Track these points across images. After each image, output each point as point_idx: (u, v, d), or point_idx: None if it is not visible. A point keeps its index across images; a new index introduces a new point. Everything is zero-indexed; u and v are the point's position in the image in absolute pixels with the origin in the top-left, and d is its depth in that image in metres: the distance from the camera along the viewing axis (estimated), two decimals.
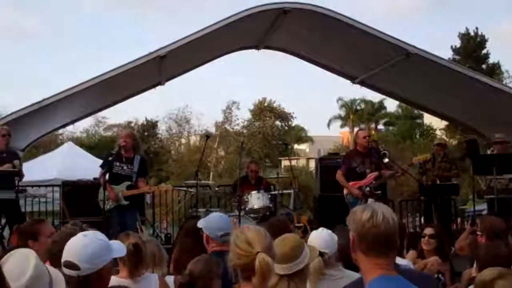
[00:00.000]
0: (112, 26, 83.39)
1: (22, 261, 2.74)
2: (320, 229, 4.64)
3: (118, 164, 9.04)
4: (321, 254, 4.29)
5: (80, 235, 3.28)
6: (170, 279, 4.65)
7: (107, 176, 9.08)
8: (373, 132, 13.66)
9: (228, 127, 43.23)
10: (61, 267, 3.16)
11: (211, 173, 34.88)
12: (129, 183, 9.04)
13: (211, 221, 5.02)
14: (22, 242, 4.95)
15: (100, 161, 9.74)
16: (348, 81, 14.75)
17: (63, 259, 3.16)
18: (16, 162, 9.26)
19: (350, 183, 9.52)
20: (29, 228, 5.13)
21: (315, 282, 4.16)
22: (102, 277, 3.23)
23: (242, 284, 3.09)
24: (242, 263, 3.07)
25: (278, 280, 3.58)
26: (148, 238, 5.19)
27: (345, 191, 9.61)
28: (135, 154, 9.16)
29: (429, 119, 40.93)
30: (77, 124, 21.12)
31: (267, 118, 46.89)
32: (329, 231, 4.61)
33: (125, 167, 9.05)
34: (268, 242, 3.14)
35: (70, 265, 3.11)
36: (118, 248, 3.43)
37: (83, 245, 3.19)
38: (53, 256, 3.92)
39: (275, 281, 3.47)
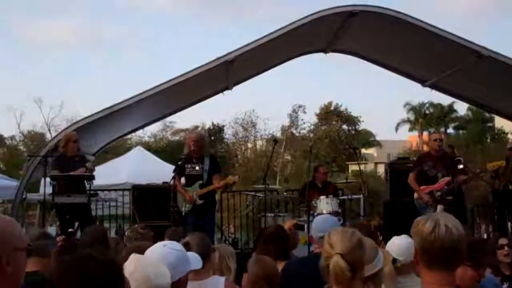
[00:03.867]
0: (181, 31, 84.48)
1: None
2: (402, 236, 4.57)
3: (189, 166, 9.41)
4: (394, 260, 4.25)
5: (159, 244, 3.27)
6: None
7: (182, 180, 9.40)
8: (442, 135, 13.35)
9: (294, 131, 43.18)
10: None
11: (278, 178, 34.87)
12: (200, 182, 9.29)
13: (314, 222, 5.02)
14: None
15: (169, 165, 10.00)
16: (417, 84, 14.53)
17: None
18: (89, 164, 9.46)
19: (421, 187, 9.32)
20: None
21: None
22: None
23: (331, 285, 3.07)
24: (326, 265, 3.06)
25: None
26: (218, 245, 5.18)
27: (415, 195, 9.42)
28: (205, 154, 9.46)
29: (500, 122, 39.96)
30: (145, 128, 21.46)
31: (334, 122, 46.61)
32: (409, 239, 4.54)
33: (196, 167, 9.37)
34: (352, 245, 3.09)
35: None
36: (195, 259, 3.45)
37: (162, 256, 3.15)
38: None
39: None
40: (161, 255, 3.15)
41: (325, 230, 4.81)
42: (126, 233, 5.68)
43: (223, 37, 73.98)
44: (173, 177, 9.83)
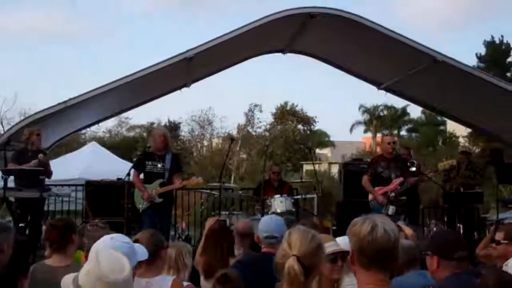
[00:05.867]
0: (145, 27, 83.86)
1: (117, 257, 2.73)
2: (343, 237, 4.68)
3: (150, 163, 9.33)
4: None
5: (107, 237, 3.24)
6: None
7: (141, 176, 9.37)
8: (395, 138, 13.57)
9: (250, 130, 43.22)
10: None
11: (233, 176, 34.86)
12: (161, 180, 9.21)
13: (261, 222, 5.05)
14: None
15: (123, 161, 10.01)
16: (372, 87, 14.73)
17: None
18: (41, 155, 9.36)
19: (375, 189, 9.49)
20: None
21: None
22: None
23: (283, 284, 3.08)
24: (281, 263, 3.08)
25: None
26: (175, 242, 5.18)
27: (370, 197, 9.58)
28: (167, 152, 9.38)
29: (452, 126, 40.69)
30: (100, 124, 21.19)
31: (289, 122, 46.83)
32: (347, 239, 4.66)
33: (158, 165, 9.28)
34: (311, 248, 3.10)
35: None
36: (142, 251, 3.43)
37: (112, 249, 3.07)
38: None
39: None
40: (111, 248, 3.09)
41: (270, 230, 4.91)
42: (87, 227, 5.67)
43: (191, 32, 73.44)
44: (128, 174, 9.78)
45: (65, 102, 11.29)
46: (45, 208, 10.41)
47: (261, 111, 43.51)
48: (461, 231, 10.86)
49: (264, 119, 45.46)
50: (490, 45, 39.77)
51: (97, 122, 15.82)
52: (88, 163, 16.38)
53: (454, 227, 11.15)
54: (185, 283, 4.63)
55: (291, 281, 3.01)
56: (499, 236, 5.66)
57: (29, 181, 9.19)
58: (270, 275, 3.21)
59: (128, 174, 9.77)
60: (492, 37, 40.04)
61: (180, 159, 10.03)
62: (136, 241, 3.81)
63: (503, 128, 14.18)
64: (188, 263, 4.92)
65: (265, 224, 4.98)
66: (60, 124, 12.79)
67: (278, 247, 4.82)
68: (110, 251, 2.80)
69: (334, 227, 11.52)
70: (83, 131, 33.26)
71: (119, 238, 3.26)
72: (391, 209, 9.15)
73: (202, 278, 5.06)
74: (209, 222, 6.12)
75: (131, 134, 46.91)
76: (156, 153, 9.35)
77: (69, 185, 13.04)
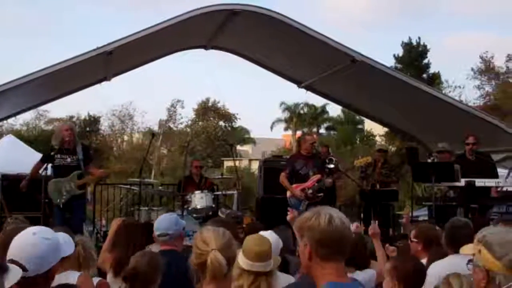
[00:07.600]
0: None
1: None
2: (268, 231, 4.70)
3: (59, 156, 9.26)
4: None
5: (29, 232, 3.07)
6: (94, 281, 4.54)
7: (49, 170, 9.23)
8: (314, 136, 13.85)
9: (172, 126, 43.06)
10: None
11: (153, 171, 34.65)
12: (79, 171, 9.19)
13: (157, 220, 5.10)
14: None
15: (41, 155, 9.85)
16: (293, 85, 14.88)
17: (9, 257, 2.93)
18: None
19: (293, 186, 9.64)
20: None
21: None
22: (48, 278, 3.07)
23: (203, 284, 3.11)
24: (200, 262, 3.12)
25: (256, 278, 3.56)
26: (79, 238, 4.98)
27: (288, 194, 9.73)
28: (76, 144, 9.41)
29: (369, 125, 41.53)
30: (17, 116, 20.72)
31: (211, 118, 46.86)
32: (274, 234, 4.69)
33: (68, 159, 9.23)
34: (225, 242, 3.18)
35: (17, 265, 2.86)
36: (67, 248, 3.28)
37: (32, 244, 2.98)
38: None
39: (252, 278, 3.50)
40: (32, 244, 2.98)
41: (162, 228, 4.97)
42: (8, 220, 5.55)
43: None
44: (45, 168, 9.59)
45: None
46: None
47: (183, 107, 43.46)
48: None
49: (186, 115, 45.39)
50: (407, 46, 40.70)
51: (14, 114, 15.43)
52: (4, 156, 15.88)
53: (369, 223, 11.43)
54: (96, 279, 4.61)
55: (214, 275, 3.07)
56: (412, 234, 5.88)
57: None
58: (176, 270, 3.24)
59: (46, 168, 9.61)
60: (410, 38, 41.01)
61: (90, 150, 10.05)
62: None
63: (418, 127, 14.62)
64: (95, 257, 4.87)
65: (158, 222, 5.10)
66: None
67: (172, 244, 4.87)
68: None
69: None
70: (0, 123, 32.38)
71: (41, 234, 3.08)
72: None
73: (110, 275, 5.00)
74: (116, 223, 6.05)
75: (50, 127, 45.85)
76: (64, 147, 9.30)
77: None
